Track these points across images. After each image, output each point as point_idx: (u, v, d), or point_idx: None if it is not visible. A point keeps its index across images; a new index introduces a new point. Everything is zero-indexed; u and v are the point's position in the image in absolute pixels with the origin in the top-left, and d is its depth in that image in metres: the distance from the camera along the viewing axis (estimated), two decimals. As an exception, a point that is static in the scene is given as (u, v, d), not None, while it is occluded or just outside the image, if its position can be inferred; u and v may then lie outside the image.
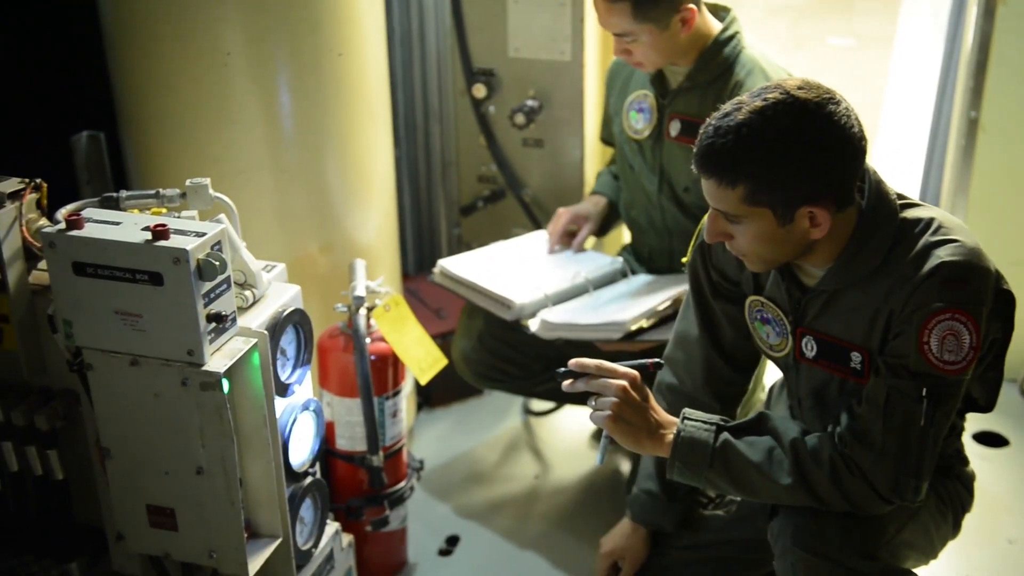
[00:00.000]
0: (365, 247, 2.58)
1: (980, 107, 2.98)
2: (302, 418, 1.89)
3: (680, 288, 2.43)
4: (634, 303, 2.51)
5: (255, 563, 1.79)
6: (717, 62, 2.43)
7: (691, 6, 2.36)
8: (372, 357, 2.28)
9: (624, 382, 1.78)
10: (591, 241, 2.98)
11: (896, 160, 3.55)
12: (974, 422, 2.86)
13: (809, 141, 1.64)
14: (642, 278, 2.67)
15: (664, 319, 2.43)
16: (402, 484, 2.44)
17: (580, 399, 1.90)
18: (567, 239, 2.79)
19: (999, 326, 1.77)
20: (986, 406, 1.89)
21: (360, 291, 2.29)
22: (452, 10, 3.07)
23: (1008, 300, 1.76)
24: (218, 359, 1.64)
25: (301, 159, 2.43)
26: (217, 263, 1.58)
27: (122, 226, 1.61)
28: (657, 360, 1.84)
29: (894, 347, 1.72)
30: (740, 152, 1.64)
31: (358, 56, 2.46)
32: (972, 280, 1.68)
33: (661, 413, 1.83)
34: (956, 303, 1.66)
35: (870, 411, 1.73)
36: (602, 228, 2.83)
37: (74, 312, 1.64)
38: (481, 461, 2.97)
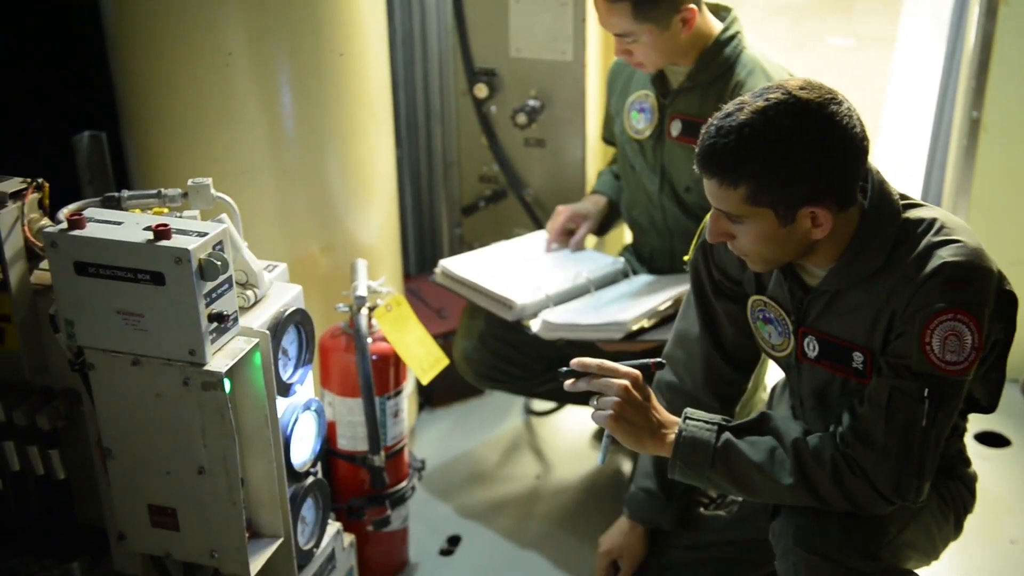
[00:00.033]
0: (367, 247, 2.58)
1: (982, 107, 2.98)
2: (303, 418, 1.89)
3: (681, 288, 2.43)
4: (635, 303, 2.51)
5: (256, 563, 1.79)
6: (718, 62, 2.43)
7: (691, 6, 2.36)
8: (373, 357, 2.29)
9: (626, 381, 1.78)
10: (592, 240, 2.98)
11: (898, 160, 3.55)
12: (976, 422, 2.86)
13: (811, 141, 1.64)
14: (643, 278, 2.67)
15: (665, 319, 2.43)
16: (403, 484, 2.44)
17: (582, 399, 1.90)
18: (565, 237, 2.79)
19: (1001, 327, 1.77)
20: (988, 407, 1.89)
21: (361, 291, 2.29)
22: (454, 10, 3.07)
23: (1010, 301, 1.76)
24: (220, 359, 1.64)
25: (303, 159, 2.43)
26: (219, 263, 1.58)
27: (124, 226, 1.61)
28: (659, 360, 1.85)
29: (896, 347, 1.72)
30: (742, 152, 1.64)
31: (360, 56, 2.46)
32: (974, 280, 1.68)
33: (663, 413, 1.83)
34: (958, 303, 1.66)
35: (872, 411, 1.73)
36: (602, 227, 2.83)
37: (76, 312, 1.64)
38: (482, 461, 2.97)
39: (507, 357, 2.67)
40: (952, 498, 1.97)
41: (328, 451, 2.36)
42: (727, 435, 1.81)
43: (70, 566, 1.92)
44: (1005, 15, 2.87)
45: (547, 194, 3.14)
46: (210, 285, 1.60)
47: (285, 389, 1.82)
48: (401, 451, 2.44)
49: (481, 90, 3.10)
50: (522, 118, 3.05)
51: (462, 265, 2.67)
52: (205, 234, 1.59)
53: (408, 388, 2.46)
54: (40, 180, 1.80)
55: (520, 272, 2.65)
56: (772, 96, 1.64)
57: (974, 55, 2.96)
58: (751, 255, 1.78)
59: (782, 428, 1.82)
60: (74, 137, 2.69)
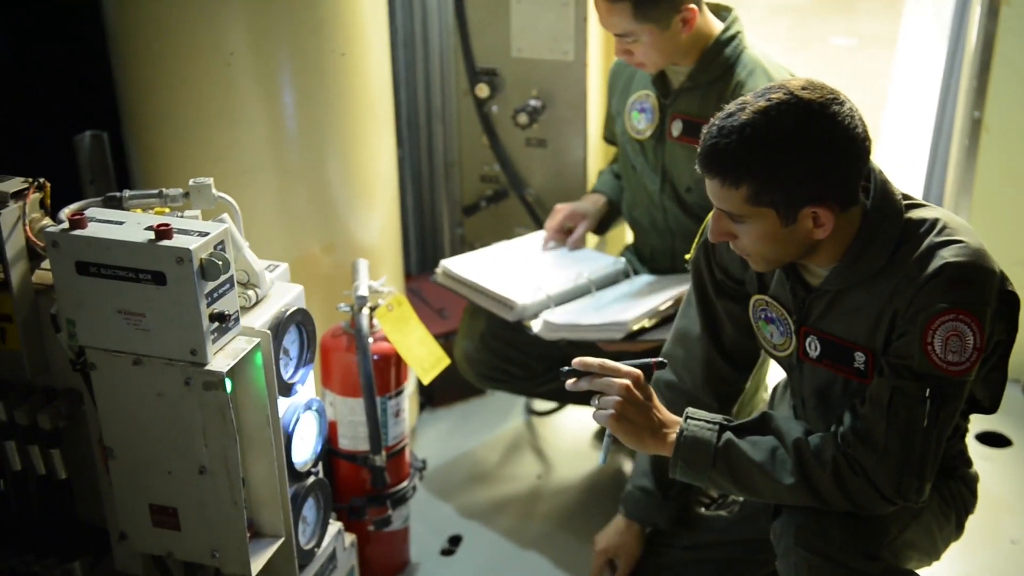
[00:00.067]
0: (368, 247, 2.58)
1: (983, 107, 2.98)
2: (305, 418, 1.89)
3: (682, 288, 2.43)
4: (636, 303, 2.51)
5: (257, 563, 1.79)
6: (719, 62, 2.43)
7: (692, 6, 2.36)
8: (375, 357, 2.29)
9: (627, 381, 1.78)
10: (593, 240, 2.98)
11: (899, 160, 3.55)
12: (977, 422, 2.86)
13: (813, 141, 1.64)
14: (644, 278, 2.67)
15: (666, 319, 2.43)
16: (404, 484, 2.44)
17: (583, 399, 1.90)
18: (563, 236, 2.79)
19: (1003, 327, 1.76)
20: (990, 407, 1.89)
21: (363, 291, 2.29)
22: (455, 10, 3.07)
23: (1012, 301, 1.76)
24: (221, 359, 1.64)
25: (304, 159, 2.43)
26: (220, 263, 1.58)
27: (125, 226, 1.61)
28: (660, 359, 1.85)
29: (898, 347, 1.71)
30: (744, 152, 1.64)
31: (361, 56, 2.46)
32: (976, 281, 1.68)
33: (664, 412, 1.83)
34: (960, 304, 1.65)
35: (874, 411, 1.73)
36: (600, 226, 2.83)
37: (77, 311, 1.64)
38: (483, 461, 2.97)
39: (508, 357, 2.67)
40: (953, 498, 1.97)
41: (329, 451, 2.36)
42: (728, 435, 1.81)
43: (71, 566, 1.92)
44: (1007, 15, 2.87)
45: (548, 194, 3.14)
46: (211, 285, 1.60)
47: (286, 389, 1.82)
48: (402, 451, 2.44)
49: (482, 90, 3.10)
50: (523, 118, 3.05)
51: (463, 265, 2.67)
52: (206, 234, 1.59)
53: (409, 388, 2.47)
54: (42, 180, 1.80)
55: (521, 272, 2.65)
56: (774, 96, 1.64)
57: (976, 55, 2.96)
58: (753, 255, 1.78)
59: (783, 428, 1.82)
60: (75, 137, 2.69)
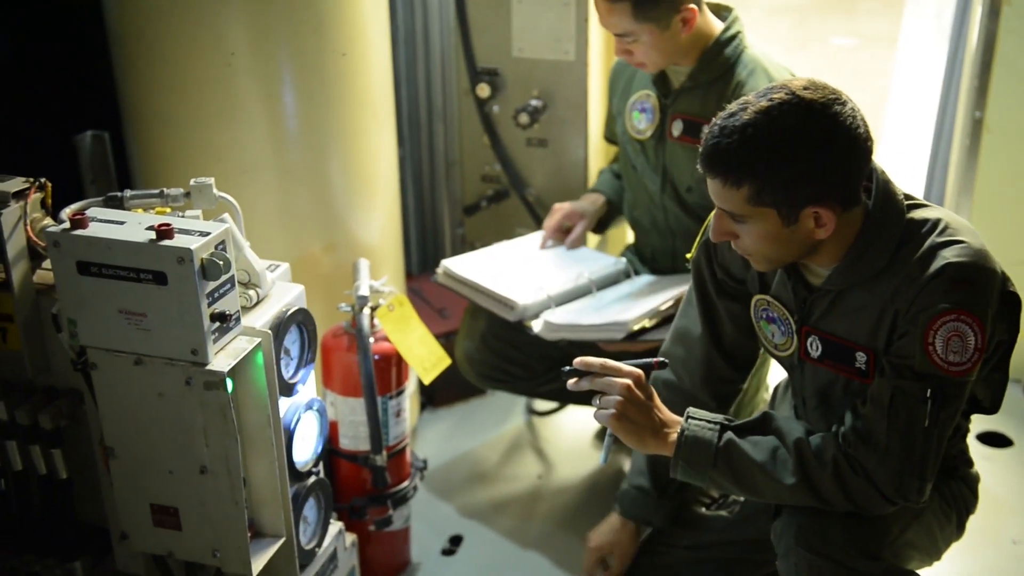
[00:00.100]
0: (369, 247, 2.58)
1: (984, 107, 2.98)
2: (306, 418, 1.89)
3: (683, 288, 2.43)
4: (637, 303, 2.51)
5: (258, 562, 1.79)
6: (719, 62, 2.43)
7: (692, 6, 2.36)
8: (376, 357, 2.29)
9: (629, 381, 1.78)
10: (594, 239, 2.98)
11: (900, 160, 3.55)
12: (978, 423, 2.85)
13: (814, 142, 1.64)
14: (645, 278, 2.67)
15: (667, 319, 2.43)
16: (405, 484, 2.44)
17: (583, 399, 1.90)
18: (561, 235, 2.79)
19: (1005, 328, 1.76)
20: (991, 407, 1.89)
21: (364, 291, 2.29)
22: (456, 10, 3.07)
23: (1014, 302, 1.76)
24: (222, 358, 1.64)
25: (305, 159, 2.43)
26: (221, 262, 1.58)
27: (126, 225, 1.61)
28: (662, 359, 1.85)
29: (899, 347, 1.71)
30: (745, 152, 1.64)
31: (362, 56, 2.46)
32: (978, 281, 1.67)
33: (665, 412, 1.83)
34: (961, 304, 1.65)
35: (875, 411, 1.73)
36: (599, 226, 2.83)
37: (78, 311, 1.65)
38: (484, 461, 2.97)
39: (509, 357, 2.67)
40: (954, 498, 1.97)
41: (330, 451, 2.36)
42: (729, 435, 1.81)
43: (72, 565, 1.92)
44: (1008, 15, 2.87)
45: (549, 194, 3.14)
46: (212, 285, 1.60)
47: (287, 389, 1.82)
48: (403, 451, 2.44)
49: (483, 90, 3.09)
50: (524, 118, 3.05)
51: (464, 265, 2.67)
52: (207, 234, 1.59)
53: (410, 388, 2.46)
54: (43, 180, 1.80)
55: (522, 272, 2.65)
56: (776, 96, 1.64)
57: (977, 55, 2.96)
58: (754, 255, 1.77)
59: (784, 428, 1.82)
60: (77, 137, 2.70)
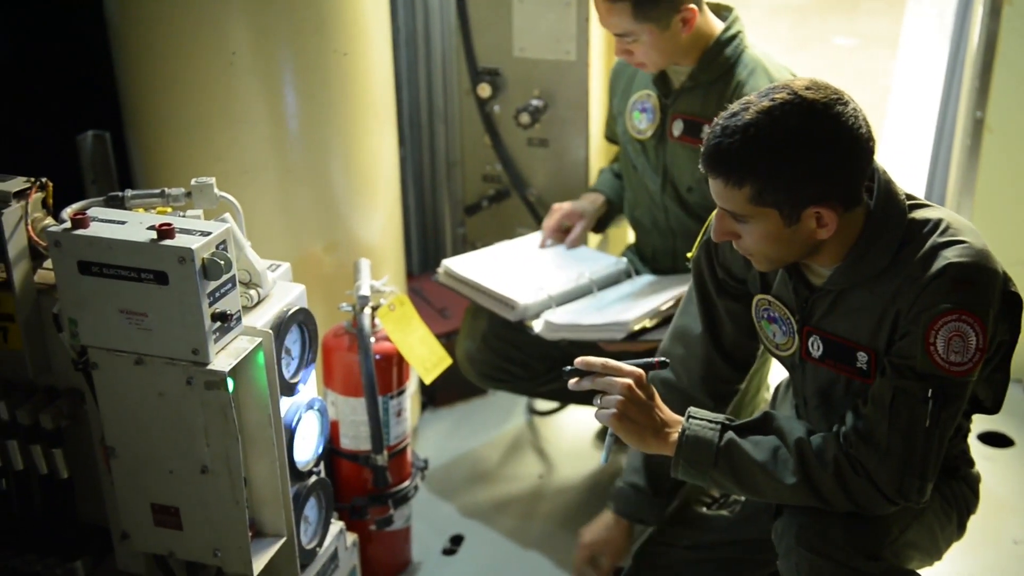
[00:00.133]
0: (370, 246, 2.58)
1: (986, 107, 2.98)
2: (307, 417, 1.89)
3: (683, 288, 2.43)
4: (637, 303, 2.51)
5: (259, 562, 1.79)
6: (719, 62, 2.43)
7: (692, 6, 2.36)
8: (376, 356, 2.29)
9: (630, 380, 1.78)
10: (595, 239, 2.98)
11: (901, 160, 3.55)
12: (980, 423, 2.85)
13: (816, 142, 1.64)
14: (646, 278, 2.67)
15: (667, 319, 2.42)
16: (406, 483, 2.44)
17: (584, 399, 1.89)
18: (560, 235, 2.79)
19: (1006, 328, 1.76)
20: (992, 407, 1.89)
21: (365, 290, 2.29)
22: (457, 10, 3.07)
23: (1016, 302, 1.76)
24: (223, 358, 1.64)
25: (306, 158, 2.43)
26: (222, 262, 1.58)
27: (127, 225, 1.61)
28: (663, 359, 1.85)
29: (900, 348, 1.71)
30: (747, 152, 1.64)
31: (363, 56, 2.46)
32: (979, 281, 1.67)
33: (666, 412, 1.83)
34: (963, 304, 1.65)
35: (876, 411, 1.73)
36: (599, 225, 2.83)
37: (79, 311, 1.65)
38: (485, 461, 2.97)
39: (510, 357, 2.67)
40: (955, 498, 1.97)
41: (331, 450, 2.36)
42: (730, 434, 1.81)
43: (73, 565, 1.93)
44: (1009, 15, 2.86)
45: (550, 194, 3.14)
46: (213, 284, 1.60)
47: (288, 388, 1.82)
48: (404, 450, 2.44)
49: (484, 90, 3.09)
50: (525, 118, 3.05)
51: (465, 265, 2.67)
52: (208, 233, 1.59)
53: (411, 387, 2.47)
54: (44, 179, 1.80)
55: (523, 272, 2.65)
56: (778, 96, 1.64)
57: (978, 55, 2.96)
58: (756, 255, 1.77)
59: (785, 428, 1.82)
60: (78, 136, 2.70)
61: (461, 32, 3.09)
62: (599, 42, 3.02)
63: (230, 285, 1.65)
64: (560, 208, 2.80)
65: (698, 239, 2.04)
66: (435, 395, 3.17)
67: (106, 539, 1.89)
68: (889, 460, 1.72)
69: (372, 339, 2.27)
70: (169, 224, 1.58)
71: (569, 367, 1.80)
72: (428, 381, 2.43)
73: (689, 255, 2.07)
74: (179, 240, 1.57)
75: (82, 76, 2.77)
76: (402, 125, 3.26)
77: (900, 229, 1.74)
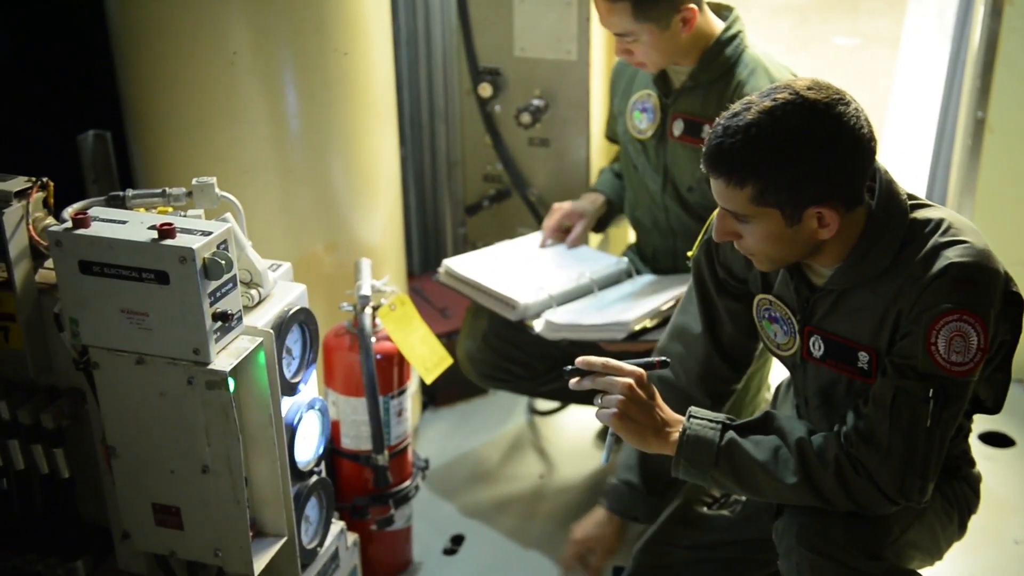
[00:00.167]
0: (370, 246, 2.58)
1: (987, 107, 2.98)
2: (308, 417, 1.89)
3: (684, 288, 2.43)
4: (638, 303, 2.51)
5: (260, 562, 1.79)
6: (719, 62, 2.43)
7: (692, 6, 2.36)
8: (377, 356, 2.29)
9: (630, 380, 1.78)
10: (596, 239, 2.98)
11: (902, 160, 3.55)
12: (981, 423, 2.85)
13: (818, 142, 1.64)
14: (646, 278, 2.67)
15: (668, 319, 2.42)
16: (407, 483, 2.44)
17: (585, 398, 1.89)
18: (560, 235, 2.80)
19: (1007, 328, 1.76)
20: (993, 407, 1.89)
21: (365, 290, 2.29)
22: (458, 9, 3.07)
23: (1017, 302, 1.76)
24: (224, 358, 1.64)
25: (307, 158, 2.43)
26: (223, 262, 1.58)
27: (128, 225, 1.61)
28: (664, 359, 1.85)
29: (902, 347, 1.71)
30: (749, 152, 1.64)
31: (364, 55, 2.46)
32: (980, 281, 1.67)
33: (667, 411, 1.83)
34: (964, 304, 1.65)
35: (877, 411, 1.73)
36: (599, 225, 2.83)
37: (80, 311, 1.65)
38: (486, 460, 2.97)
39: (510, 357, 2.67)
40: (956, 498, 1.97)
41: (332, 450, 2.36)
42: (731, 434, 1.81)
43: (74, 565, 1.93)
44: (1010, 15, 2.86)
45: (551, 193, 3.14)
46: (214, 284, 1.60)
47: (289, 388, 1.82)
48: (405, 450, 2.44)
49: (485, 89, 3.09)
50: (526, 117, 3.05)
51: (466, 264, 2.67)
52: (209, 233, 1.59)
53: (412, 387, 2.47)
54: (45, 179, 1.81)
55: (523, 272, 2.65)
56: (779, 96, 1.64)
57: (979, 55, 2.96)
58: (757, 255, 1.77)
59: (786, 427, 1.82)
60: (79, 136, 2.70)
61: (462, 32, 3.09)
62: (600, 42, 3.02)
63: (231, 285, 1.65)
64: (561, 208, 2.80)
65: (699, 239, 2.04)
66: (436, 395, 3.17)
67: (107, 539, 1.89)
68: (890, 460, 1.71)
69: (373, 339, 2.27)
70: (170, 224, 1.58)
71: (570, 367, 1.80)
72: (429, 381, 2.43)
73: (690, 254, 2.07)
74: (180, 240, 1.57)
75: (83, 76, 2.78)
76: (403, 125, 3.26)
77: (902, 229, 1.74)
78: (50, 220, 1.80)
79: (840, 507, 1.77)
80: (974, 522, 2.04)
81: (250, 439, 1.76)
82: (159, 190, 1.82)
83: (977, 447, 2.82)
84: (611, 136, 2.84)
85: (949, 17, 3.14)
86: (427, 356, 2.40)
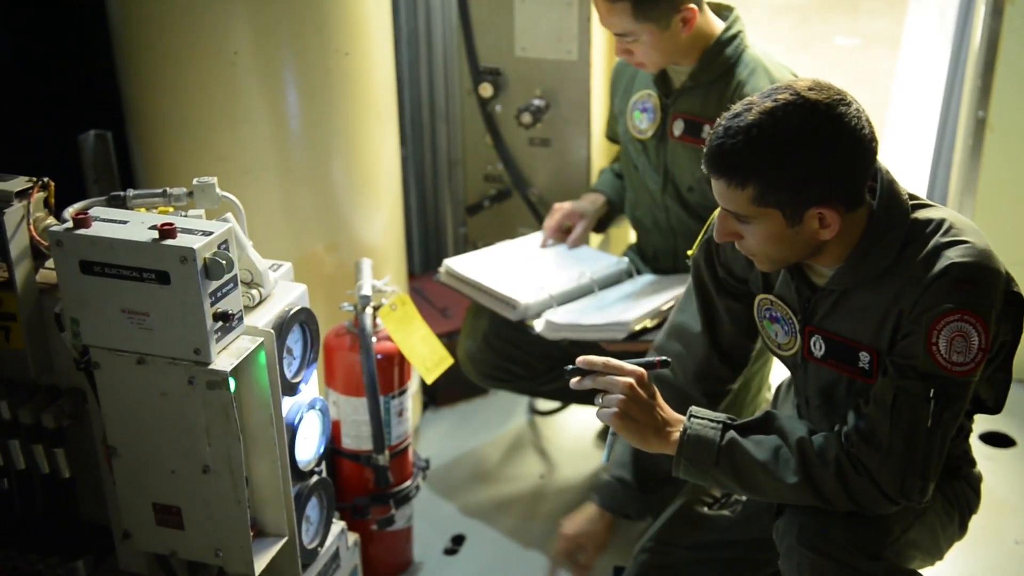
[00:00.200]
0: (371, 246, 2.58)
1: (988, 107, 2.97)
2: (308, 417, 1.89)
3: (684, 288, 2.43)
4: (638, 303, 2.51)
5: (261, 562, 1.79)
6: (719, 62, 2.43)
7: (692, 6, 2.36)
8: (378, 356, 2.29)
9: (631, 379, 1.78)
10: (597, 239, 2.98)
11: (903, 160, 3.55)
12: (981, 423, 2.85)
13: (819, 143, 1.64)
14: (647, 278, 2.67)
15: (668, 319, 2.43)
16: (408, 483, 2.44)
17: (586, 398, 1.89)
18: (561, 235, 2.80)
19: (1008, 328, 1.76)
20: (994, 407, 1.88)
21: (366, 290, 2.29)
22: (459, 9, 3.07)
23: (1018, 303, 1.76)
24: (224, 358, 1.65)
25: (307, 158, 2.44)
26: (224, 262, 1.58)
27: (129, 225, 1.61)
28: (665, 358, 1.85)
29: (903, 348, 1.71)
30: (750, 153, 1.64)
31: (364, 55, 2.46)
32: (982, 281, 1.67)
33: (668, 411, 1.83)
34: (965, 304, 1.65)
35: (877, 411, 1.73)
36: (599, 225, 2.83)
37: (81, 311, 1.65)
38: (487, 460, 2.97)
39: (511, 357, 2.67)
40: (957, 498, 1.97)
41: (332, 450, 2.36)
42: (732, 434, 1.81)
43: (75, 564, 1.93)
44: (1011, 15, 2.86)
45: (552, 193, 3.14)
46: (215, 284, 1.60)
47: (290, 388, 1.82)
48: (405, 450, 2.44)
49: (486, 89, 3.09)
50: (527, 117, 3.05)
51: (466, 264, 2.67)
52: (210, 233, 1.59)
53: (412, 387, 2.47)
54: (46, 179, 1.81)
55: (524, 272, 2.65)
56: (781, 97, 1.64)
57: (980, 55, 2.95)
58: (758, 255, 1.77)
59: (787, 427, 1.82)
60: (80, 136, 2.70)
61: (463, 32, 3.09)
62: (600, 42, 3.02)
63: (232, 285, 1.65)
64: (561, 208, 2.80)
65: (699, 238, 2.04)
66: (436, 395, 3.17)
67: (108, 539, 1.89)
68: (891, 460, 1.71)
69: (373, 339, 2.27)
70: (171, 224, 1.58)
71: (570, 366, 1.80)
72: (429, 381, 2.43)
73: (690, 253, 2.07)
74: (181, 240, 1.57)
75: (84, 76, 2.78)
76: (404, 125, 3.26)
77: (903, 229, 1.74)
78: (51, 220, 1.80)
79: (841, 507, 1.77)
80: (975, 522, 2.04)
81: (251, 439, 1.76)
82: (160, 190, 1.82)
83: (978, 447, 2.82)
84: (611, 136, 2.84)
85: (950, 17, 3.14)
86: (428, 356, 2.40)
